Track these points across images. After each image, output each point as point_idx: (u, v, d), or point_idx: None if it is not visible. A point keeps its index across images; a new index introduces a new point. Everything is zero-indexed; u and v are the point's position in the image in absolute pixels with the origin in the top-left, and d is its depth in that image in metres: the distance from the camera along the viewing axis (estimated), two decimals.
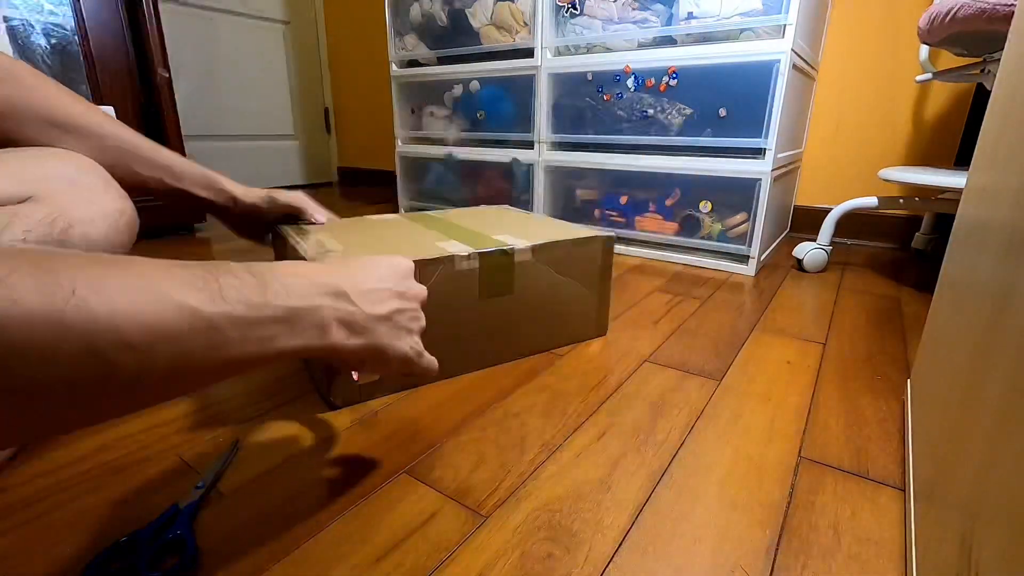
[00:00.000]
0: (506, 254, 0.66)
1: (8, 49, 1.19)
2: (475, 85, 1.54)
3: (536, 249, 0.69)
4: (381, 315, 0.38)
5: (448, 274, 0.62)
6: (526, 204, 1.50)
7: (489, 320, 0.68)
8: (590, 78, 1.30)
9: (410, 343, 0.41)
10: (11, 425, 0.23)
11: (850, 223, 1.46)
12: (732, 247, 1.19)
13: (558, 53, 1.35)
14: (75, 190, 0.52)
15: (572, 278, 0.74)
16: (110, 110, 1.20)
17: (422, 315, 0.43)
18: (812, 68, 1.31)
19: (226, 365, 0.29)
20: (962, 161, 1.31)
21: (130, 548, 0.39)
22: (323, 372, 0.60)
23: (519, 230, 0.75)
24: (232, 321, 0.28)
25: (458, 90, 1.59)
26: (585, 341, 0.79)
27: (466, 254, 0.63)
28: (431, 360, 0.44)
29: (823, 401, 0.63)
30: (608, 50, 1.27)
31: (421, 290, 0.44)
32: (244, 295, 0.29)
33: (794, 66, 1.08)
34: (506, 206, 0.98)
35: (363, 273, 0.39)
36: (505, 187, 1.57)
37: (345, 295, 0.36)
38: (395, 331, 0.40)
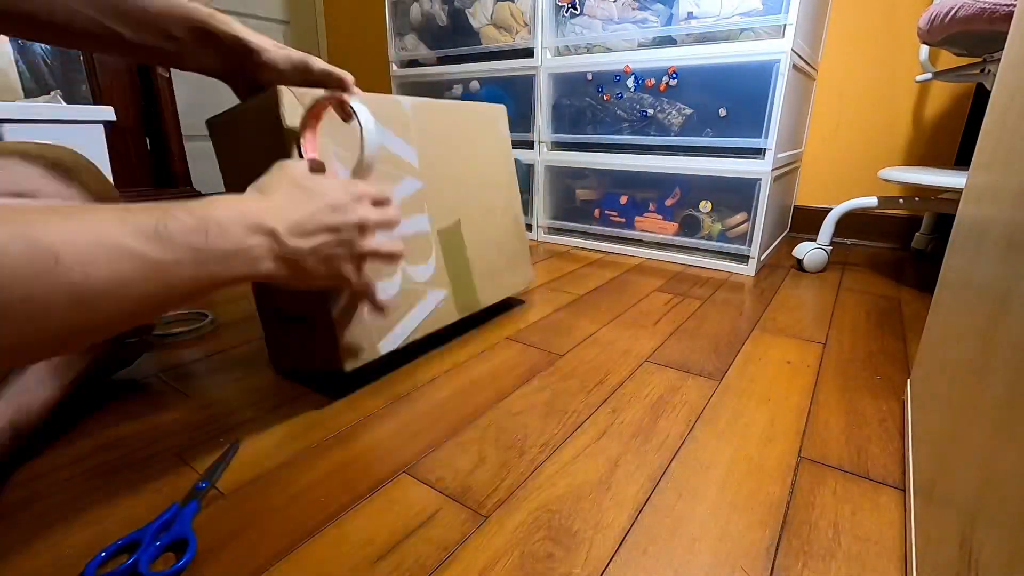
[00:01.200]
0: None
1: (8, 48, 1.19)
2: (475, 85, 1.54)
3: None
4: (306, 249, 0.43)
5: None
6: (526, 204, 1.50)
7: None
8: (590, 78, 1.30)
9: (340, 267, 0.47)
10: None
11: (850, 223, 1.46)
12: (732, 247, 1.19)
13: (558, 53, 1.35)
14: (69, 190, 0.53)
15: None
16: (110, 110, 1.19)
17: (357, 240, 0.47)
18: (812, 68, 1.31)
19: (178, 298, 0.35)
20: (962, 161, 1.31)
21: (130, 548, 0.39)
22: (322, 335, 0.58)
23: None
24: (180, 266, 0.34)
25: (458, 90, 1.59)
26: None
27: None
28: (364, 281, 0.51)
29: (823, 401, 0.63)
30: (608, 50, 1.27)
31: (367, 213, 0.48)
32: (188, 240, 0.35)
33: (794, 66, 1.08)
34: None
35: (294, 207, 0.43)
36: None
37: (274, 233, 0.40)
38: (321, 261, 0.45)
